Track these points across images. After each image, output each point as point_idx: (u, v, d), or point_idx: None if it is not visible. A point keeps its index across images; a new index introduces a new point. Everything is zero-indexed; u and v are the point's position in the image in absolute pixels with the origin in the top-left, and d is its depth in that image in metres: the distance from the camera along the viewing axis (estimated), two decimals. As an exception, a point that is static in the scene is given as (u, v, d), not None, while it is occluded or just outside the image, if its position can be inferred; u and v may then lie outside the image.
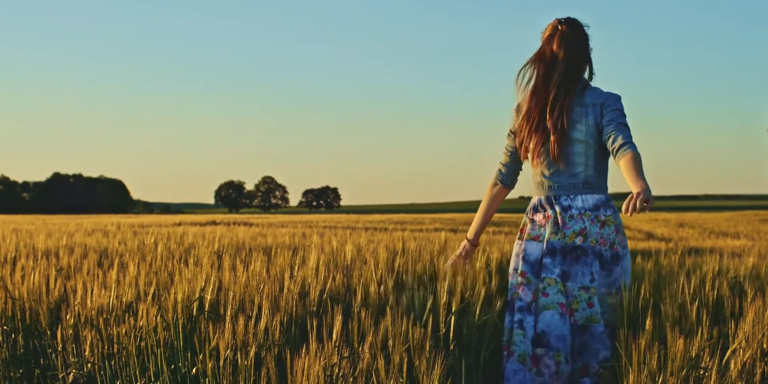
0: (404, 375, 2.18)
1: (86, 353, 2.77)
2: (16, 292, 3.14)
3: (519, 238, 2.72)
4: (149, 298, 2.82)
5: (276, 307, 2.66)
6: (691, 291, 2.91)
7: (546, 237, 2.61)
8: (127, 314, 2.80)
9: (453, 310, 2.63)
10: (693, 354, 2.02)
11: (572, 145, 2.61)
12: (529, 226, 2.70)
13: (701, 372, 2.02)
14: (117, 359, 2.74)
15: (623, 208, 2.26)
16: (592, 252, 2.56)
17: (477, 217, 2.90)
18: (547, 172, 2.67)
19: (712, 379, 2.01)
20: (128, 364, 2.72)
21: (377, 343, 2.26)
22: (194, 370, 2.62)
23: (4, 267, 3.74)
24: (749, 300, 2.55)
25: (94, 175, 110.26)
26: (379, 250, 3.55)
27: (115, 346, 2.74)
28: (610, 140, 2.52)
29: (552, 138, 2.60)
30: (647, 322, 2.34)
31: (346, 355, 2.18)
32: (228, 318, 2.45)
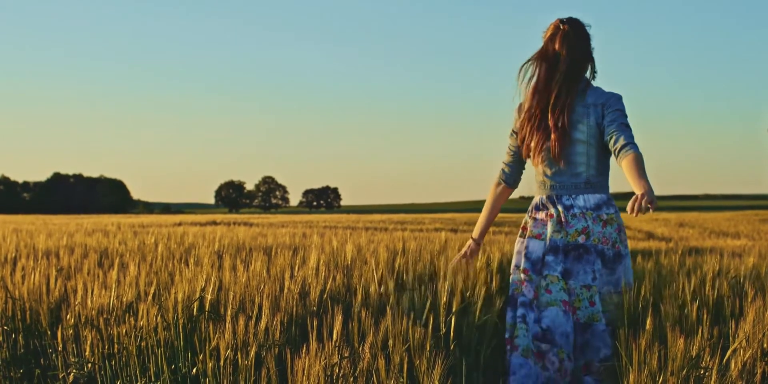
0: (404, 375, 2.19)
1: (86, 353, 2.77)
2: (17, 292, 3.14)
3: (521, 236, 2.73)
4: (149, 298, 2.82)
5: (276, 307, 2.66)
6: (692, 291, 2.91)
7: (548, 235, 2.62)
8: (127, 314, 2.80)
9: (453, 310, 2.63)
10: (693, 354, 2.02)
11: (574, 145, 2.63)
12: (531, 224, 2.71)
13: (701, 372, 2.02)
14: (117, 359, 2.74)
15: (628, 208, 2.27)
16: (594, 250, 2.57)
17: (481, 217, 2.93)
18: (548, 172, 2.68)
19: (713, 378, 2.01)
20: (128, 364, 2.72)
21: (377, 343, 2.26)
22: (194, 370, 2.62)
23: (5, 267, 3.74)
24: (749, 300, 2.55)
25: (95, 175, 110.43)
26: (379, 250, 3.55)
27: (116, 346, 2.74)
28: (612, 141, 2.53)
29: (552, 136, 2.61)
30: (648, 321, 2.34)
31: (346, 355, 2.18)
32: (228, 318, 2.45)
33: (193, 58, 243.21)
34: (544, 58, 2.68)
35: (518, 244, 2.72)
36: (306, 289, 2.86)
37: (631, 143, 2.49)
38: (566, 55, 2.64)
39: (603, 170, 2.68)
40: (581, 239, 2.58)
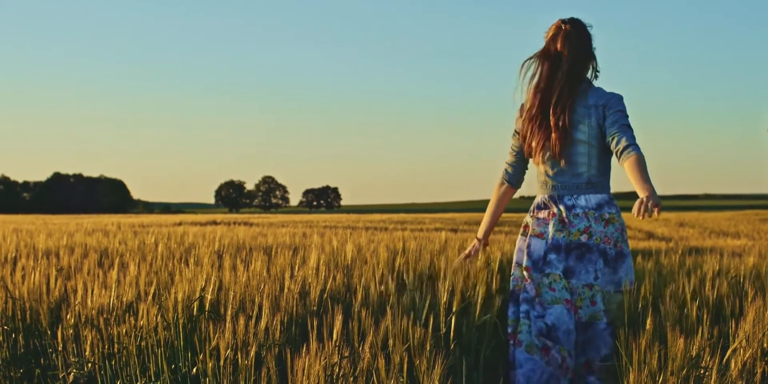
0: (404, 374, 2.19)
1: (86, 353, 2.77)
2: (17, 292, 3.14)
3: (523, 234, 2.74)
4: (150, 297, 2.82)
5: (276, 307, 2.66)
6: (692, 290, 2.91)
7: (550, 234, 2.64)
8: (127, 314, 2.80)
9: (453, 309, 2.63)
10: (693, 353, 2.02)
11: (575, 146, 2.64)
12: (533, 223, 2.72)
13: (701, 371, 2.02)
14: (117, 359, 2.74)
15: (634, 211, 2.28)
16: (596, 250, 2.59)
17: (486, 217, 2.94)
18: (550, 172, 2.69)
19: (713, 378, 2.01)
20: (129, 363, 2.72)
21: (378, 342, 2.26)
22: (194, 370, 2.62)
23: (5, 267, 3.74)
24: (749, 299, 2.55)
25: (95, 174, 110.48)
26: (379, 249, 3.55)
27: (116, 345, 2.74)
28: (614, 142, 2.55)
29: (553, 136, 2.63)
30: (648, 321, 2.34)
31: (346, 354, 2.18)
32: (228, 318, 2.45)
33: (193, 58, 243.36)
34: (546, 56, 2.69)
35: (520, 242, 2.74)
36: (306, 289, 2.86)
37: (633, 144, 2.51)
38: (568, 55, 2.65)
39: (604, 170, 2.69)
40: (584, 238, 2.60)
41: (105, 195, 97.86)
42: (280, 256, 3.41)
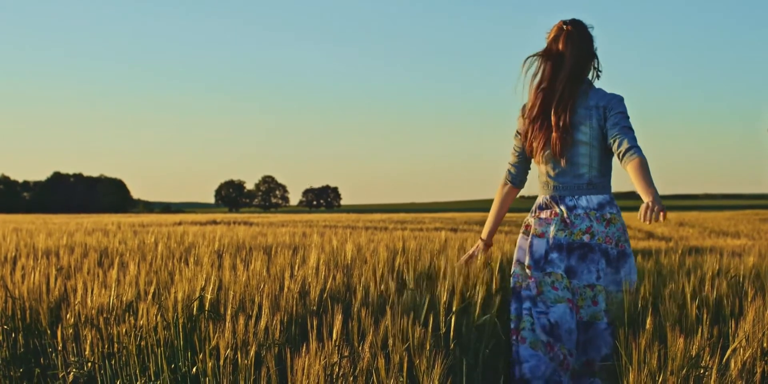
0: (404, 374, 2.19)
1: (86, 352, 2.77)
2: (17, 292, 3.14)
3: (524, 233, 2.74)
4: (149, 297, 2.82)
5: (276, 307, 2.66)
6: (692, 290, 2.91)
7: (552, 234, 2.65)
8: (127, 313, 2.80)
9: (453, 309, 2.63)
10: (693, 353, 2.02)
11: (576, 147, 2.65)
12: (535, 222, 2.72)
13: (701, 371, 2.02)
14: (117, 358, 2.74)
15: (640, 216, 2.29)
16: (598, 250, 2.61)
17: (489, 218, 2.95)
18: (552, 173, 2.70)
19: (712, 378, 2.01)
20: (128, 363, 2.72)
21: (377, 342, 2.26)
22: (194, 370, 2.62)
23: (5, 266, 3.74)
24: (749, 299, 2.55)
25: (95, 174, 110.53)
26: (379, 249, 3.55)
27: (116, 345, 2.74)
28: (616, 144, 2.56)
29: (554, 135, 2.63)
30: (647, 321, 2.34)
31: (346, 354, 2.19)
32: (228, 317, 2.45)
33: (193, 58, 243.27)
34: (548, 56, 2.69)
35: (522, 241, 2.75)
36: (306, 289, 2.86)
37: (634, 146, 2.52)
38: (570, 56, 2.66)
39: (605, 171, 2.70)
40: (586, 238, 2.61)
41: (105, 195, 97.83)
42: (279, 255, 3.41)
